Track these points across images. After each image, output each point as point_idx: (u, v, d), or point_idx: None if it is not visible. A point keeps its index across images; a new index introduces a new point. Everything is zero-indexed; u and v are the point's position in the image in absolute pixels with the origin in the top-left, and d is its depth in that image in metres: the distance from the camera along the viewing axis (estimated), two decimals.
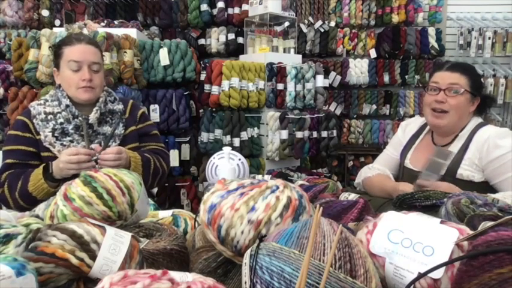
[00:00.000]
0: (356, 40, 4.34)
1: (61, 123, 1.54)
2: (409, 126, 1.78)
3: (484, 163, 1.46)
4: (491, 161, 1.45)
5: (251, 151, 3.06)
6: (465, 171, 1.48)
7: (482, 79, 1.61)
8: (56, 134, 1.52)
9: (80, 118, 1.55)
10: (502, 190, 1.43)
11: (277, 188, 0.75)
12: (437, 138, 1.62)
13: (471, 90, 1.52)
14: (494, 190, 1.45)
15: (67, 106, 1.55)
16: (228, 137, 2.92)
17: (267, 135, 3.11)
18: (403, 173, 1.69)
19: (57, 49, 1.57)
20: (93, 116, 1.55)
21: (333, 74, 4.22)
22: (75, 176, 1.26)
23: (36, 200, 1.43)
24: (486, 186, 1.46)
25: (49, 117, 1.54)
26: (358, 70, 4.25)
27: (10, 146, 1.53)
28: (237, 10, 4.17)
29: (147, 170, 1.57)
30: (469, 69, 1.58)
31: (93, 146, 1.49)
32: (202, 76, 2.99)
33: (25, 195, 1.43)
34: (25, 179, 1.44)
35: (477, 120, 1.59)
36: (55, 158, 1.48)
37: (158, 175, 1.65)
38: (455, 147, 1.54)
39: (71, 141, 1.55)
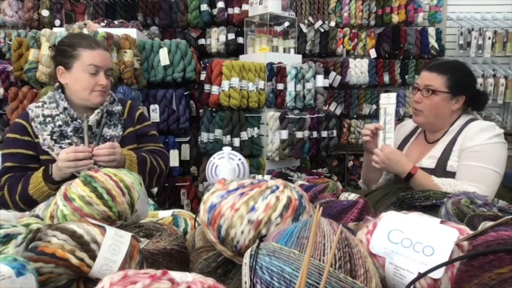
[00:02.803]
0: (356, 40, 4.34)
1: (59, 126, 1.53)
2: (402, 128, 1.85)
3: (461, 151, 1.52)
4: (462, 150, 1.50)
5: (251, 151, 3.06)
6: (454, 162, 1.51)
7: (471, 77, 1.63)
8: (54, 137, 1.52)
9: (79, 120, 1.54)
10: (456, 175, 1.49)
11: (277, 188, 0.75)
12: (429, 135, 1.67)
13: (449, 90, 1.54)
14: None
15: (65, 109, 1.54)
16: (228, 137, 2.92)
17: (267, 135, 3.11)
18: None
19: (69, 49, 1.53)
20: (93, 118, 1.55)
21: (333, 74, 4.22)
22: (75, 177, 1.26)
23: (37, 202, 1.43)
24: None
25: (47, 119, 1.53)
26: (358, 70, 4.25)
27: (9, 149, 1.53)
28: (237, 10, 4.17)
29: (142, 168, 1.57)
30: (451, 68, 1.58)
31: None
32: (202, 76, 2.99)
33: (25, 198, 1.43)
34: (25, 182, 1.44)
35: (467, 117, 1.62)
36: (54, 161, 1.48)
37: (155, 174, 1.65)
38: (444, 142, 1.58)
39: (70, 144, 1.54)
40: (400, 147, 1.75)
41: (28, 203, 1.44)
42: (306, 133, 3.17)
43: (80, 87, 1.54)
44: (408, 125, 1.82)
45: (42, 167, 1.45)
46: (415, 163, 1.57)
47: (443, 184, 1.41)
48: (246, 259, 0.60)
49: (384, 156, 1.50)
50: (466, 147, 1.48)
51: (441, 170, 1.51)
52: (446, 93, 1.54)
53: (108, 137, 1.60)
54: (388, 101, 1.58)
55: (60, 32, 2.47)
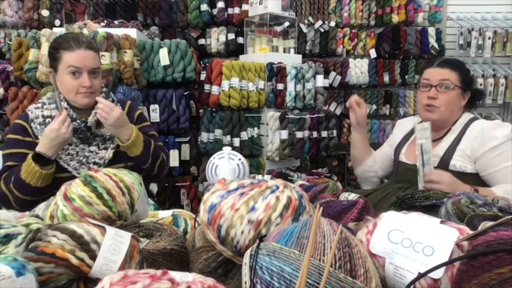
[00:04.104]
0: (356, 40, 4.33)
1: None
2: (402, 125, 1.85)
3: (477, 154, 1.49)
4: (485, 152, 1.47)
5: (251, 151, 3.05)
6: (457, 162, 1.51)
7: (471, 75, 1.66)
8: None
9: (78, 121, 1.54)
10: (492, 181, 1.46)
11: (277, 188, 0.75)
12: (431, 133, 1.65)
13: (461, 85, 1.56)
14: (483, 181, 1.49)
15: (64, 109, 1.54)
16: (228, 137, 2.92)
17: (267, 135, 3.11)
18: (398, 168, 1.72)
19: (54, 51, 1.53)
20: (91, 119, 1.55)
21: (333, 74, 4.22)
22: (74, 177, 1.26)
23: (31, 187, 1.41)
24: (477, 177, 1.50)
25: (47, 120, 1.53)
26: (358, 70, 4.25)
27: (10, 149, 1.53)
28: (237, 10, 4.17)
29: (147, 148, 1.59)
30: (459, 64, 1.61)
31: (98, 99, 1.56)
32: (202, 76, 2.98)
33: (19, 183, 1.42)
34: (18, 169, 1.44)
35: (469, 115, 1.62)
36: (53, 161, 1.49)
37: (158, 159, 1.66)
38: (448, 140, 1.57)
39: (69, 145, 1.54)
40: (400, 145, 1.75)
41: (23, 190, 1.42)
42: (306, 133, 3.17)
43: (65, 90, 1.53)
44: (408, 122, 1.82)
45: (32, 152, 1.46)
46: (416, 161, 1.57)
47: (507, 194, 1.36)
48: (246, 259, 0.60)
49: (448, 176, 1.40)
50: (488, 149, 1.45)
51: (443, 167, 1.50)
52: (460, 88, 1.56)
53: (107, 137, 1.60)
54: (424, 134, 1.48)
55: (60, 32, 2.47)
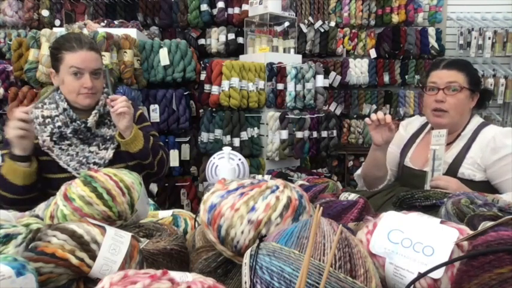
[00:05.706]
0: (356, 40, 4.34)
1: (59, 127, 1.53)
2: (410, 125, 1.79)
3: (488, 162, 1.45)
4: (497, 160, 1.44)
5: (251, 151, 3.06)
6: (466, 170, 1.48)
7: (479, 74, 1.60)
8: (54, 138, 1.51)
9: (78, 122, 1.54)
10: (504, 189, 1.43)
11: (277, 188, 0.75)
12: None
13: (470, 87, 1.52)
14: (494, 189, 1.46)
15: (64, 110, 1.54)
16: (228, 137, 2.92)
17: (267, 135, 3.11)
18: (402, 172, 1.69)
19: (55, 51, 1.53)
20: (91, 119, 1.55)
21: (333, 74, 4.22)
22: (74, 177, 1.26)
23: (12, 184, 1.40)
24: (486, 186, 1.46)
25: (47, 120, 1.53)
26: (358, 70, 4.25)
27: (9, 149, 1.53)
28: (237, 10, 4.17)
29: (147, 143, 1.61)
30: (466, 65, 1.58)
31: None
32: (202, 76, 2.99)
33: (1, 181, 1.41)
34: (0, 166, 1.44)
35: (479, 119, 1.59)
36: (53, 162, 1.49)
37: (157, 155, 1.67)
38: (457, 146, 1.54)
39: (69, 145, 1.54)
40: (408, 144, 1.72)
41: (7, 188, 1.42)
42: (306, 133, 3.17)
43: (66, 90, 1.53)
44: (415, 122, 1.78)
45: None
46: (423, 166, 1.55)
47: None
48: (246, 259, 0.60)
49: (455, 182, 1.40)
50: (500, 157, 1.42)
51: (451, 175, 1.47)
52: (469, 90, 1.52)
53: (108, 137, 1.60)
54: (439, 140, 1.46)
55: (60, 32, 2.47)
